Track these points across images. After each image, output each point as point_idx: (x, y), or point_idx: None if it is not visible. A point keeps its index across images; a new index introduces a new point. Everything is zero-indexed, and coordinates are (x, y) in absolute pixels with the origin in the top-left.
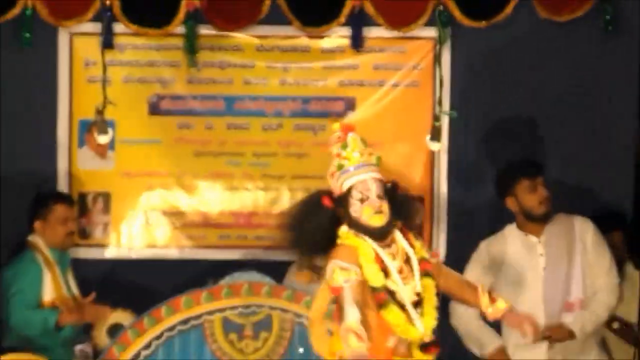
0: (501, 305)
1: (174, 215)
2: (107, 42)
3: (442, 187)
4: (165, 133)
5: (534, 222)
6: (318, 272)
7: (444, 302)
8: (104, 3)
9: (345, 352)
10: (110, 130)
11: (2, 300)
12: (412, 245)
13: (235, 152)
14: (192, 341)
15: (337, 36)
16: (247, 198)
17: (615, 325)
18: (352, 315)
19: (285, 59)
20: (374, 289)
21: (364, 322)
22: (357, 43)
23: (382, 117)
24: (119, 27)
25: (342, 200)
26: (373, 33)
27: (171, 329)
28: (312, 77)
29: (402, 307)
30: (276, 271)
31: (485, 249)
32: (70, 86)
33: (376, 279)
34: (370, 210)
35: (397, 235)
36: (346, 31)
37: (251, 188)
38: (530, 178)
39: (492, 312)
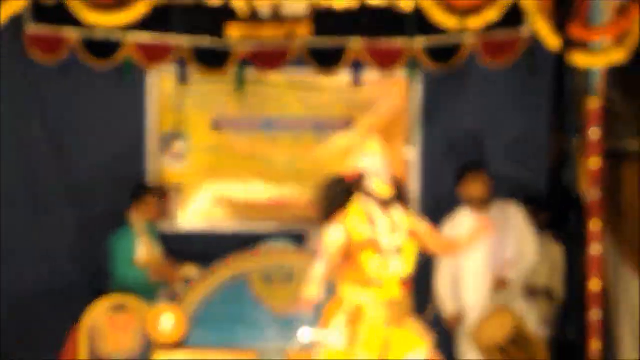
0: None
1: (228, 201)
2: (182, 79)
3: (414, 185)
4: (223, 144)
5: (478, 205)
6: None
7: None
8: (179, 52)
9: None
10: (183, 142)
11: (109, 259)
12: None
13: (271, 158)
14: (239, 287)
15: (343, 75)
16: (279, 190)
17: (540, 291)
18: (317, 268)
19: (306, 90)
20: (357, 238)
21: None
22: (356, 80)
23: (374, 132)
24: (190, 69)
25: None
26: (368, 74)
27: (225, 278)
28: (325, 104)
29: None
30: (299, 240)
31: (447, 227)
32: (157, 110)
33: (354, 232)
34: (378, 183)
35: (397, 205)
36: (348, 72)
37: (282, 182)
38: (475, 172)
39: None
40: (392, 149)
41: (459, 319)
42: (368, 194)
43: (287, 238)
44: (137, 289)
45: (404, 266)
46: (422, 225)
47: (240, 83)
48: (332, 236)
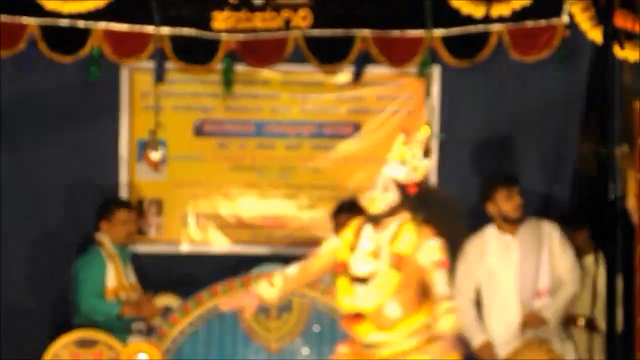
0: (443, 326)
1: (214, 217)
2: (159, 77)
3: None
4: (207, 151)
5: (509, 224)
6: None
7: None
8: (157, 45)
9: None
10: (161, 148)
11: (73, 287)
12: (396, 238)
13: (264, 167)
14: (227, 321)
15: (347, 72)
16: (274, 204)
17: (581, 322)
18: (289, 269)
19: (304, 91)
20: (338, 258)
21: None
22: (358, 78)
23: (383, 138)
24: (169, 65)
25: None
26: (376, 70)
27: (211, 310)
28: (326, 106)
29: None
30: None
31: (469, 248)
32: (130, 112)
33: (339, 251)
34: (368, 196)
35: (394, 225)
36: (353, 69)
37: (277, 196)
38: (507, 187)
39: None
40: None
41: (489, 347)
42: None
43: (283, 262)
44: (106, 322)
45: (371, 298)
46: (427, 258)
47: (228, 81)
48: (324, 247)
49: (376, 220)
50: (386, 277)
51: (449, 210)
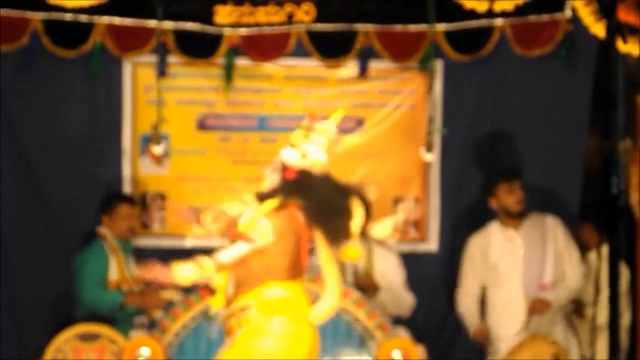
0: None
1: (218, 213)
2: (162, 71)
3: (434, 190)
4: (210, 145)
5: (512, 218)
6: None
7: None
8: (160, 38)
9: None
10: (164, 143)
11: (75, 280)
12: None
13: (267, 161)
14: None
15: (350, 67)
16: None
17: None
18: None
19: (307, 85)
20: None
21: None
22: (363, 73)
23: (386, 133)
24: (173, 58)
25: None
26: (379, 65)
27: None
28: (329, 100)
29: None
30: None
31: (474, 244)
32: (133, 107)
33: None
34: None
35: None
36: (357, 63)
37: None
38: (509, 181)
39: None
40: (408, 152)
41: (485, 332)
42: None
43: None
44: (109, 313)
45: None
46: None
47: (231, 75)
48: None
49: (261, 199)
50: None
51: (330, 204)
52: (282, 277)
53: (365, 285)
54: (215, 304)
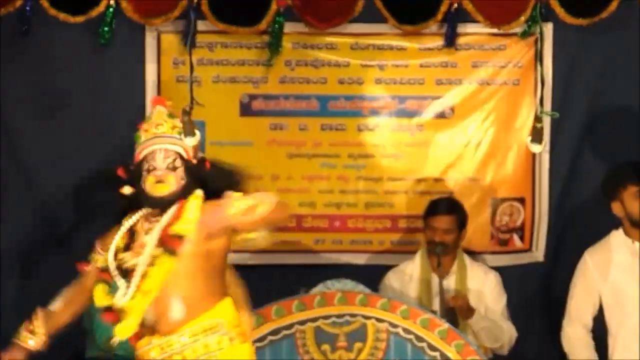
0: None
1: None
2: (193, 41)
3: (544, 188)
4: (257, 135)
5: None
6: None
7: (556, 325)
8: (191, 0)
9: None
10: (198, 132)
11: (88, 313)
12: (179, 218)
13: (330, 154)
14: (283, 352)
15: (434, 33)
16: (343, 201)
17: None
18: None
19: (380, 58)
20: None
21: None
22: (451, 41)
23: (481, 116)
24: (207, 25)
25: (138, 172)
26: (471, 30)
27: (261, 339)
28: (409, 76)
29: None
30: (372, 277)
31: (590, 259)
32: (159, 86)
33: (101, 259)
34: (153, 179)
35: (174, 208)
36: (443, 28)
37: (347, 191)
38: (638, 184)
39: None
40: (510, 141)
41: None
42: (143, 198)
43: (354, 274)
44: (121, 354)
45: (134, 296)
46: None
47: (280, 46)
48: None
49: (164, 204)
50: (161, 266)
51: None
52: None
53: (457, 306)
54: (122, 332)
